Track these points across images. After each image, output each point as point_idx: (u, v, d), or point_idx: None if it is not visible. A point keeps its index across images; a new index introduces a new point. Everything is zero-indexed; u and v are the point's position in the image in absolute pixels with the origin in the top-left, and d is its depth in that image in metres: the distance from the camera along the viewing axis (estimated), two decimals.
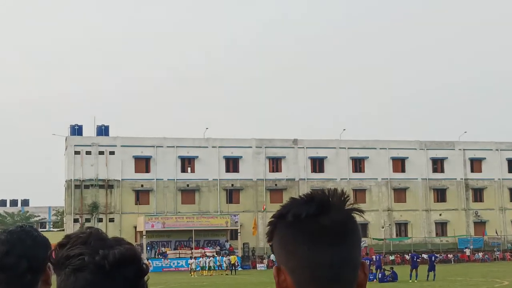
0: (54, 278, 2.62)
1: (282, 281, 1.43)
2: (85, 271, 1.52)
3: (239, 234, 75.46)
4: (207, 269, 59.67)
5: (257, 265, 71.18)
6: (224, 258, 62.59)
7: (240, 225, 75.69)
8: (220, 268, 60.56)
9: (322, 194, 1.46)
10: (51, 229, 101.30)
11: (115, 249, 1.56)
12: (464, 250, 79.73)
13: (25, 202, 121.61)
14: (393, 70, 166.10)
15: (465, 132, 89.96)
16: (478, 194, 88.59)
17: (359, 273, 1.45)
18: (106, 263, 1.52)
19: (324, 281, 1.40)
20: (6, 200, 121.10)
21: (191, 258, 63.94)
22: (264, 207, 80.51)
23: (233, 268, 60.82)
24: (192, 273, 58.49)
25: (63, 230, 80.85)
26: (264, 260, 72.18)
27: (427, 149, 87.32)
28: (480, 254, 78.90)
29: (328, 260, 1.40)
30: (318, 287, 1.40)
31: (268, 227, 1.49)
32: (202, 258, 61.99)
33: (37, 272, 2.41)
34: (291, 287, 1.42)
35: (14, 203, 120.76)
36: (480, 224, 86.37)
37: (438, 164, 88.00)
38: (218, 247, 74.47)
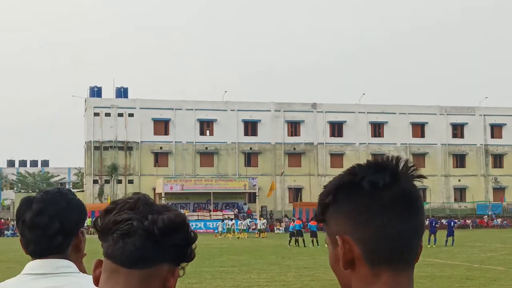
0: (87, 245, 2.59)
1: (347, 251, 1.35)
2: (134, 236, 1.49)
3: (257, 197, 75.71)
4: (231, 231, 59.43)
5: (275, 228, 71.53)
6: (258, 221, 62.87)
7: (258, 189, 75.90)
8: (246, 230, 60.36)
9: (391, 161, 1.38)
10: (71, 189, 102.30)
11: (163, 214, 1.53)
12: (484, 217, 79.55)
13: (45, 163, 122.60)
14: (413, 35, 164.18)
15: (486, 97, 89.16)
16: (498, 160, 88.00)
17: None
18: (155, 229, 1.49)
19: (398, 252, 1.35)
20: (26, 161, 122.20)
21: (222, 220, 64.19)
22: (283, 171, 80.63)
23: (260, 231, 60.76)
24: (217, 235, 59.21)
25: (83, 190, 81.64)
26: (281, 224, 72.46)
27: (447, 114, 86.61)
28: (499, 220, 78.72)
29: (404, 230, 1.34)
30: (390, 258, 1.34)
31: (329, 195, 1.38)
32: (228, 220, 62.47)
33: (69, 235, 2.38)
34: (359, 257, 1.34)
35: (34, 163, 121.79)
36: (499, 190, 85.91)
37: (458, 130, 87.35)
38: (236, 210, 74.89)
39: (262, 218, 66.17)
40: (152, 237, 1.49)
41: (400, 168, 1.37)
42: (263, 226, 61.12)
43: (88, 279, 2.26)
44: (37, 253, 2.35)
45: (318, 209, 1.42)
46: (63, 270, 2.33)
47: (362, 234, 1.34)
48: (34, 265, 2.34)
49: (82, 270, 2.42)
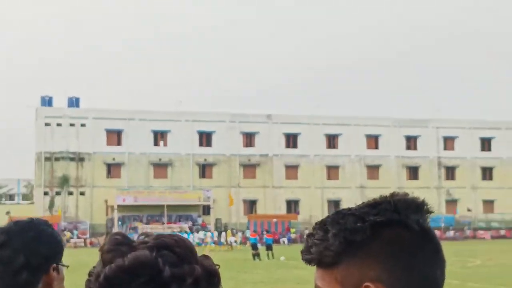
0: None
1: None
2: None
3: (211, 209, 75.00)
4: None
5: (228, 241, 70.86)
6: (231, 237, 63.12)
7: (213, 201, 75.22)
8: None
9: (418, 199, 1.25)
10: (21, 201, 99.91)
11: None
12: (436, 229, 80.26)
13: None
14: (367, 48, 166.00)
15: (438, 109, 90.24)
16: (450, 172, 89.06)
17: None
18: None
19: None
20: None
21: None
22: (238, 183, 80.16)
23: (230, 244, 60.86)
24: None
25: (33, 202, 79.68)
26: (235, 236, 71.86)
27: (400, 127, 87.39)
28: (451, 232, 79.47)
29: (439, 277, 1.23)
30: None
31: (364, 228, 1.17)
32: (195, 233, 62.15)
33: (37, 271, 2.05)
34: None
35: None
36: (451, 202, 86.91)
37: (411, 142, 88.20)
38: (190, 222, 74.06)
39: (231, 233, 66.36)
40: None
41: (425, 207, 1.25)
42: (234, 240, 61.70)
43: None
44: None
45: (332, 248, 1.18)
46: None
47: (403, 282, 1.15)
48: None
49: None
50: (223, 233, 66.62)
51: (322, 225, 1.20)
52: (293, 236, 73.05)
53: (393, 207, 1.19)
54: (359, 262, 1.15)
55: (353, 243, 1.16)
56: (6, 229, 2.13)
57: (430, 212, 1.25)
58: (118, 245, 1.30)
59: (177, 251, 1.29)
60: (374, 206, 1.20)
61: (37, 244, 2.08)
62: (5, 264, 2.06)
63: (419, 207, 1.22)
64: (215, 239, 64.16)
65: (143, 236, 1.34)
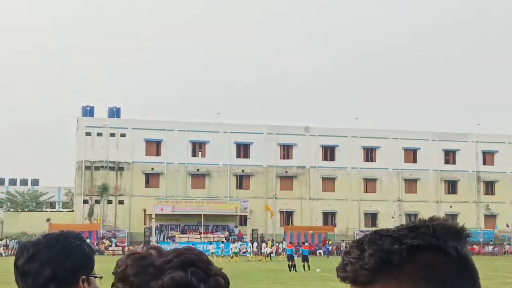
0: None
1: None
2: None
3: (248, 220, 75.28)
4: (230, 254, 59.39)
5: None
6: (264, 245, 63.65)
7: (250, 211, 75.51)
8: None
9: (459, 225, 1.21)
10: (61, 209, 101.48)
11: None
12: (475, 244, 79.41)
13: (35, 182, 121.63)
14: (406, 61, 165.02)
15: (478, 124, 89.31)
16: (489, 187, 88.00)
17: None
18: None
19: None
20: (16, 179, 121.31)
21: (211, 243, 64.24)
22: (275, 194, 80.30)
23: (269, 255, 61.29)
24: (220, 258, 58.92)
25: (73, 210, 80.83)
26: (273, 247, 72.05)
27: (439, 140, 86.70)
28: (490, 247, 78.48)
29: None
30: None
31: (401, 249, 1.15)
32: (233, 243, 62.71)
33: (65, 284, 2.13)
34: None
35: (24, 182, 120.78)
36: (490, 217, 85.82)
37: (450, 156, 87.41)
38: (227, 232, 74.39)
39: (271, 244, 66.90)
40: None
41: (464, 233, 1.21)
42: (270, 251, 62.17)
43: None
44: None
45: (367, 267, 1.16)
46: None
47: None
48: None
49: None
50: (263, 244, 66.91)
51: (359, 244, 1.18)
52: (330, 248, 72.98)
53: (432, 232, 1.18)
54: (394, 283, 1.15)
55: (389, 263, 1.15)
56: (36, 243, 2.19)
57: (469, 237, 1.22)
58: (144, 267, 1.31)
59: (201, 266, 1.33)
60: (413, 229, 1.18)
61: (64, 257, 2.14)
62: (33, 277, 2.12)
63: (458, 233, 1.20)
64: (254, 249, 64.49)
65: (153, 251, 1.36)
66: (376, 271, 1.15)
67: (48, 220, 75.23)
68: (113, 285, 1.38)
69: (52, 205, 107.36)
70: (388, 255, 1.15)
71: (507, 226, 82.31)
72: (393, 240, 1.16)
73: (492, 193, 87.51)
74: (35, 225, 70.29)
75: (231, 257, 57.60)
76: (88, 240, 2.37)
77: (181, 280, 1.29)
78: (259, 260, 57.71)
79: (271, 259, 59.39)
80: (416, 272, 1.14)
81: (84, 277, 2.19)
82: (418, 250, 1.15)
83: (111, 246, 71.21)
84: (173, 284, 1.29)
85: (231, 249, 60.03)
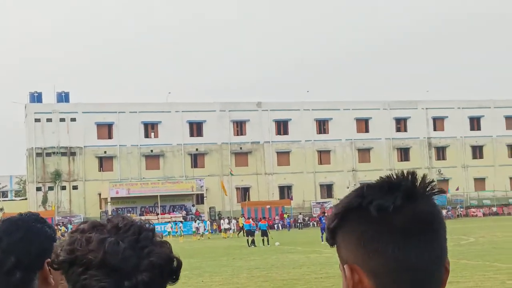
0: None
1: (356, 283, 1.17)
2: None
3: (205, 198, 75.20)
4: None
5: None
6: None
7: (206, 189, 75.41)
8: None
9: (406, 180, 1.22)
10: (13, 198, 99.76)
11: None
12: None
13: None
14: (355, 32, 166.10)
15: (427, 91, 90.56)
16: (440, 152, 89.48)
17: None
18: None
19: (419, 284, 1.18)
20: None
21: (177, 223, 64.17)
22: (231, 171, 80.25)
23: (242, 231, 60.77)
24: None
25: (26, 198, 79.52)
26: (231, 224, 72.16)
27: (390, 109, 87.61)
28: (444, 211, 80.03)
29: (421, 260, 1.18)
30: None
31: (335, 219, 1.22)
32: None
33: (30, 269, 2.02)
34: None
35: None
36: (443, 182, 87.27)
37: (401, 124, 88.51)
38: (184, 212, 74.24)
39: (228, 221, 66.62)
40: None
41: (417, 186, 1.22)
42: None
43: None
44: None
45: (327, 233, 1.27)
46: None
47: (373, 266, 1.17)
48: None
49: None
50: (221, 221, 66.77)
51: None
52: (290, 221, 73.49)
53: (360, 191, 1.20)
54: (342, 245, 1.21)
55: (330, 231, 1.23)
56: None
57: (426, 186, 1.22)
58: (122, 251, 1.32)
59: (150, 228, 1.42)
60: (352, 193, 1.22)
61: (27, 243, 2.04)
62: None
63: (392, 188, 1.20)
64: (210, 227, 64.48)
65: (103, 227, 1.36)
66: (332, 235, 1.24)
67: (1, 209, 73.85)
68: (79, 274, 1.32)
69: (4, 194, 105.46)
70: (329, 221, 1.23)
71: (457, 189, 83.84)
72: (338, 205, 1.23)
73: (444, 158, 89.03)
74: None
75: (200, 236, 57.88)
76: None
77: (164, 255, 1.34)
78: (219, 238, 57.71)
79: (227, 236, 59.45)
80: (350, 234, 1.20)
81: (49, 260, 1.97)
82: (348, 213, 1.20)
83: (67, 232, 70.30)
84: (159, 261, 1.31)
85: (197, 228, 60.07)
